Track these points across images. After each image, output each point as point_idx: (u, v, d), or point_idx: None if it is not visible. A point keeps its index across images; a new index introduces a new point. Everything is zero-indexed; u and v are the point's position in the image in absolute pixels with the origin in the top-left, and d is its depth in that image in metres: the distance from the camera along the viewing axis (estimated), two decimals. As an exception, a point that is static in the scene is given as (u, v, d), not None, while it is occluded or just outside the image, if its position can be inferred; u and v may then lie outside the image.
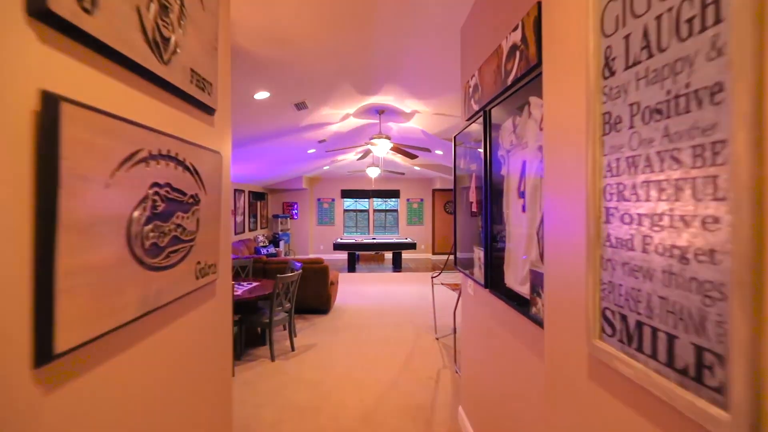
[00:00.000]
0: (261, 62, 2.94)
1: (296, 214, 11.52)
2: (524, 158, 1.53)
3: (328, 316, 5.45)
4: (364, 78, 3.69)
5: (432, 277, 4.74)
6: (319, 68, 3.27)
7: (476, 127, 2.18)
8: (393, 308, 5.92)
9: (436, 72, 3.47)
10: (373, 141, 5.16)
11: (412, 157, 5.99)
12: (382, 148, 5.17)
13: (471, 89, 2.30)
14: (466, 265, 2.42)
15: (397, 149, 5.61)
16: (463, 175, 2.52)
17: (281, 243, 10.33)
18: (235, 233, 8.28)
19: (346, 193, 11.90)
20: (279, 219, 11.07)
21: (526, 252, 1.51)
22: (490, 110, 1.91)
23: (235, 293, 3.82)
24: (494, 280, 1.90)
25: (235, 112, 3.80)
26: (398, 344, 4.32)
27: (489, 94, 1.91)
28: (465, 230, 2.50)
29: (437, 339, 4.48)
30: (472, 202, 2.32)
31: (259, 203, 10.27)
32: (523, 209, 1.54)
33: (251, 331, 4.27)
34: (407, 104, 4.65)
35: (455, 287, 4.28)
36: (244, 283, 4.34)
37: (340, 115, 5.02)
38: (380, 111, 5.16)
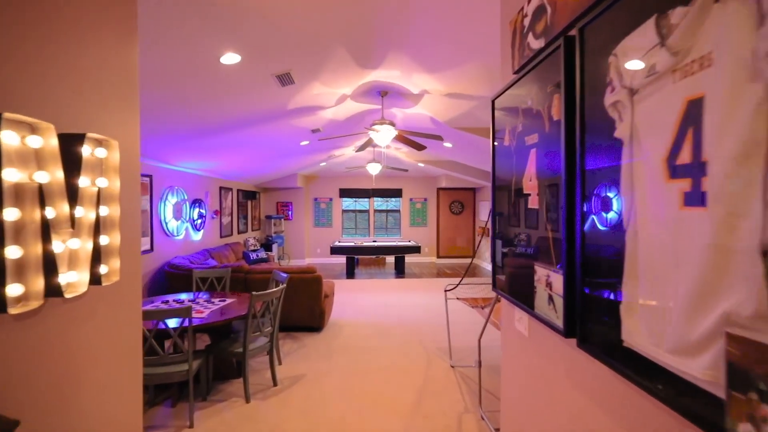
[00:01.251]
0: (225, 8, 2.14)
1: (291, 214, 10.71)
2: (700, 92, 0.72)
3: (321, 335, 4.64)
4: (363, 42, 2.88)
5: (446, 290, 3.93)
6: (306, 23, 2.47)
7: (536, 79, 1.38)
8: (397, 324, 5.10)
9: (454, 31, 2.67)
10: (374, 127, 4.36)
11: (419, 148, 5.19)
12: (384, 136, 4.36)
13: (526, 20, 1.49)
14: (514, 290, 1.62)
15: (402, 138, 4.80)
16: (507, 157, 1.71)
17: (274, 246, 9.52)
18: (221, 236, 7.47)
19: (345, 192, 11.10)
20: (272, 220, 10.26)
21: (709, 288, 0.70)
22: (583, 28, 1.10)
23: (199, 316, 3.01)
24: (589, 328, 1.09)
25: (194, 79, 2.99)
26: (405, 374, 3.51)
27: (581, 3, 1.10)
28: (511, 237, 1.69)
29: (453, 367, 3.67)
30: (528, 195, 1.51)
31: (250, 203, 9.47)
32: (699, 200, 0.73)
33: (226, 361, 3.45)
34: (415, 81, 3.85)
35: (475, 303, 3.47)
36: (216, 300, 3.52)
37: (336, 96, 4.22)
38: (383, 93, 4.36)
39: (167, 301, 3.42)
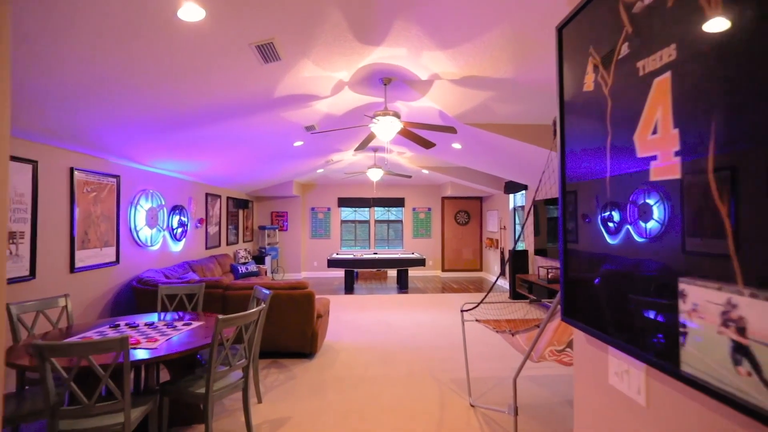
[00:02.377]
0: None
1: (286, 225, 10.06)
2: None
3: (313, 362, 3.94)
4: (363, 3, 2.28)
5: (462, 311, 3.25)
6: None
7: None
8: (402, 348, 4.40)
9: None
10: (376, 119, 3.75)
11: (428, 145, 4.57)
12: (387, 128, 3.75)
13: None
14: (614, 323, 0.96)
15: (408, 133, 4.19)
16: (589, 110, 1.08)
17: (267, 259, 8.84)
18: (207, 247, 6.81)
19: (344, 202, 10.47)
20: (266, 231, 9.61)
21: None
22: None
23: (150, 346, 2.33)
24: None
25: (142, 42, 2.38)
26: (416, 417, 2.81)
27: None
28: (601, 231, 1.04)
29: (473, 407, 2.97)
30: (650, 159, 0.87)
31: (241, 212, 8.83)
32: None
33: (190, 404, 2.75)
34: (424, 62, 3.24)
35: (500, 328, 2.80)
36: (180, 324, 2.84)
37: (332, 83, 3.62)
38: (386, 80, 3.76)
39: (117, 325, 2.74)
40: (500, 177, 8.53)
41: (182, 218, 5.72)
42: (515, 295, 7.11)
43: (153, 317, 3.08)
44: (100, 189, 4.01)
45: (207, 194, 6.80)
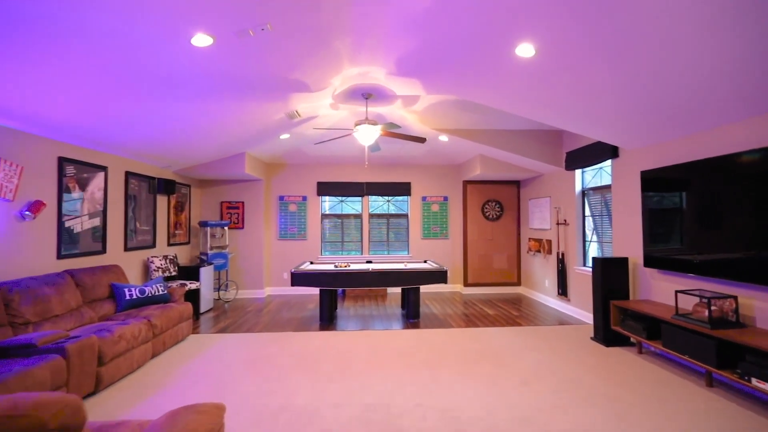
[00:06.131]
0: None
1: (242, 220, 7.06)
2: None
3: None
4: None
5: None
6: None
7: None
8: None
9: None
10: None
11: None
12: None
13: None
14: None
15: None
16: None
17: (204, 271, 5.82)
18: (59, 254, 3.80)
19: (326, 188, 7.47)
20: (210, 229, 6.62)
21: None
22: None
23: None
24: None
25: None
26: None
27: None
28: None
29: None
30: None
31: (169, 200, 5.84)
32: None
33: None
34: None
35: None
36: None
37: None
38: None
39: None
40: (570, 140, 5.53)
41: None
42: (608, 335, 4.12)
43: None
44: None
45: (63, 159, 3.80)
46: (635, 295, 4.31)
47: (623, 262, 4.21)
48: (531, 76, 3.15)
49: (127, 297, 3.95)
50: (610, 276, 4.19)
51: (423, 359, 3.73)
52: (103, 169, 4.39)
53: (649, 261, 3.96)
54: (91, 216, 4.19)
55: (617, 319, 4.07)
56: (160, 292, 4.26)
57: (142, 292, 4.09)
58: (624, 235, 4.48)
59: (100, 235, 4.34)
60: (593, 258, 4.33)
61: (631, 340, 4.16)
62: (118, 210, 4.69)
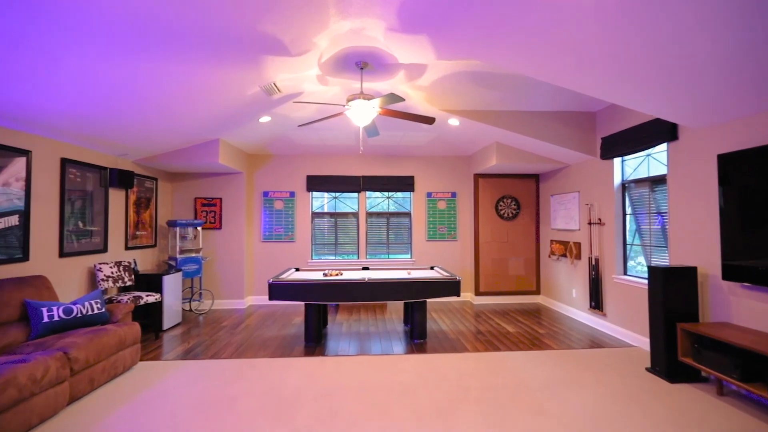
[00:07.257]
0: None
1: (219, 219, 6.13)
2: None
3: None
4: None
5: None
6: None
7: None
8: None
9: None
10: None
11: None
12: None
13: None
14: None
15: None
16: None
17: (169, 279, 4.87)
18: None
19: (317, 183, 6.54)
20: (180, 229, 5.69)
21: None
22: None
23: None
24: None
25: None
26: None
27: None
28: None
29: None
30: None
31: (128, 194, 4.91)
32: None
33: None
34: None
35: None
36: None
37: None
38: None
39: None
40: (606, 123, 4.57)
41: None
42: (673, 368, 3.18)
43: None
44: None
45: (-45, 138, 2.87)
46: (706, 315, 3.37)
47: (690, 272, 3.27)
48: (587, 22, 2.20)
49: (45, 319, 3.02)
50: (673, 290, 3.25)
51: (433, 401, 2.79)
52: (25, 153, 3.45)
53: (731, 272, 3.02)
54: (3, 214, 3.25)
55: (687, 349, 3.12)
56: (95, 311, 3.32)
57: (67, 311, 3.15)
58: (688, 238, 3.54)
59: (19, 238, 3.40)
60: (650, 267, 3.38)
61: (703, 374, 3.22)
62: (50, 206, 3.75)
